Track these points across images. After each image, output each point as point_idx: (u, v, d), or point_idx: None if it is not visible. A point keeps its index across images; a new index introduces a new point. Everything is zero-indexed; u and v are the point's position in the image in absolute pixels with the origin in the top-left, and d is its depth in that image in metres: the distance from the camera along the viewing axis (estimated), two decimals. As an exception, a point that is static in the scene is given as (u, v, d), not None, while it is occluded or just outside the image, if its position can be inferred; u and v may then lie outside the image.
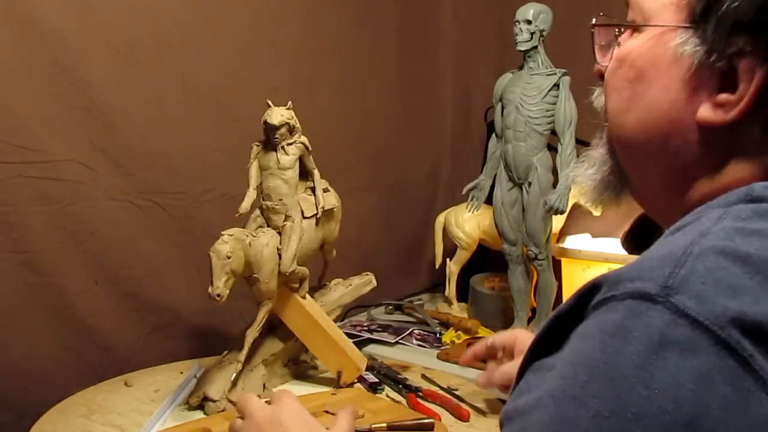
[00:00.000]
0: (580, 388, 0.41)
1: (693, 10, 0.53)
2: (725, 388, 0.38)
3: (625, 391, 0.39)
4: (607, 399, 0.40)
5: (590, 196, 0.64)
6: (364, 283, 1.36)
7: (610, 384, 0.40)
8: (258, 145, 1.20)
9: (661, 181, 0.57)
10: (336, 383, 1.24)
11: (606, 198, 0.64)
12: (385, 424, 1.01)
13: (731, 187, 0.52)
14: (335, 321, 1.33)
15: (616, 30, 0.61)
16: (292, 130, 1.18)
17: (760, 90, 0.50)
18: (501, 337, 1.04)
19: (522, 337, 1.01)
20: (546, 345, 0.48)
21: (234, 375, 1.15)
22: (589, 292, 0.46)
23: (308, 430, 0.71)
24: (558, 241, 1.71)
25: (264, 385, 1.21)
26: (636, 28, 0.58)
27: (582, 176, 0.65)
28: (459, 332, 1.60)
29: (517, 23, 1.45)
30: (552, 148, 1.50)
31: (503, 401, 1.09)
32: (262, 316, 1.18)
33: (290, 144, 1.18)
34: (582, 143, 1.51)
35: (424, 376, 1.30)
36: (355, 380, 1.25)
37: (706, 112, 0.52)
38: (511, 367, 0.99)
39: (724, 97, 0.51)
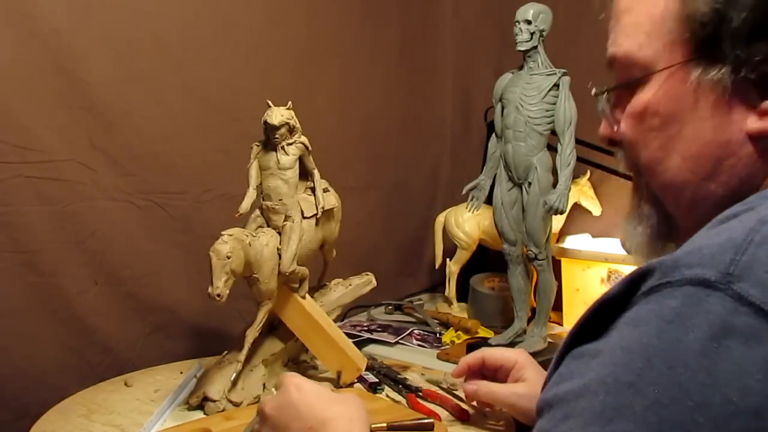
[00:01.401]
0: (636, 375, 0.40)
1: (699, 39, 0.52)
2: None
3: (686, 379, 0.38)
4: (667, 387, 0.39)
5: (644, 251, 0.63)
6: (364, 283, 1.36)
7: (670, 371, 0.39)
8: (258, 145, 1.20)
9: (715, 209, 0.54)
10: (336, 383, 1.24)
11: (659, 247, 0.62)
12: (385, 424, 1.01)
13: None
14: (335, 321, 1.33)
15: (606, 96, 0.61)
16: (292, 130, 1.18)
17: None
18: (499, 356, 1.00)
19: (523, 362, 0.97)
20: (589, 331, 0.47)
21: (234, 375, 1.15)
22: (640, 278, 0.45)
23: (319, 405, 0.72)
24: (558, 241, 1.72)
25: (264, 385, 1.21)
26: (638, 84, 0.57)
27: (633, 236, 0.63)
28: (459, 332, 1.60)
29: (517, 23, 1.45)
30: (552, 148, 1.50)
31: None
32: (262, 316, 1.18)
33: (290, 144, 1.18)
34: (582, 143, 1.51)
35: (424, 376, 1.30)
36: (355, 380, 1.25)
37: (755, 123, 0.52)
38: (503, 390, 0.95)
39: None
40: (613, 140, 0.62)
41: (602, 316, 0.46)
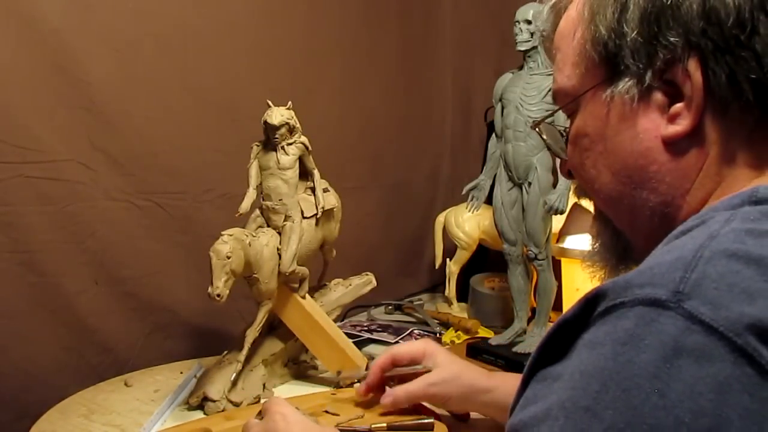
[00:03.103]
0: (592, 398, 0.40)
1: (606, 59, 0.56)
2: (744, 397, 0.37)
3: (640, 401, 0.39)
4: (622, 410, 0.39)
5: (603, 267, 0.67)
6: (364, 283, 1.36)
7: (624, 394, 0.39)
8: (258, 145, 1.20)
9: (652, 216, 0.57)
10: (336, 383, 1.24)
11: (613, 263, 0.66)
12: (385, 424, 1.01)
13: (722, 183, 0.53)
14: (335, 321, 1.33)
15: (561, 130, 0.66)
16: (292, 130, 1.18)
17: (703, 82, 0.52)
18: (405, 351, 0.97)
19: (431, 350, 0.95)
20: (550, 353, 0.47)
21: (234, 375, 1.15)
22: (594, 298, 0.45)
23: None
24: (558, 241, 1.71)
25: (264, 385, 1.21)
26: (574, 110, 0.61)
27: (590, 253, 0.68)
28: (459, 332, 1.60)
29: (517, 23, 1.45)
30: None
31: None
32: (262, 316, 1.18)
33: (290, 144, 1.18)
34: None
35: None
36: (355, 380, 1.25)
37: (666, 128, 0.54)
38: (418, 385, 0.93)
39: (676, 107, 0.54)
40: (570, 172, 0.67)
41: (563, 337, 0.47)
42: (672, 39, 0.52)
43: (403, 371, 0.96)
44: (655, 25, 0.53)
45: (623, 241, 0.64)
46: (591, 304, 0.45)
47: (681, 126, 0.53)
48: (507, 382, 0.90)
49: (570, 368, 0.44)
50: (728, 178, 0.54)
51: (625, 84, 0.55)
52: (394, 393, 0.95)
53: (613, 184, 0.59)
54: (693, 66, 0.52)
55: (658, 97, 0.54)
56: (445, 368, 0.91)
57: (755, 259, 0.42)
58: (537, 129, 0.69)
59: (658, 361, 0.39)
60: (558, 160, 1.42)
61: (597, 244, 0.67)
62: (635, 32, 0.53)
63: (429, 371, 0.90)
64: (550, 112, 0.66)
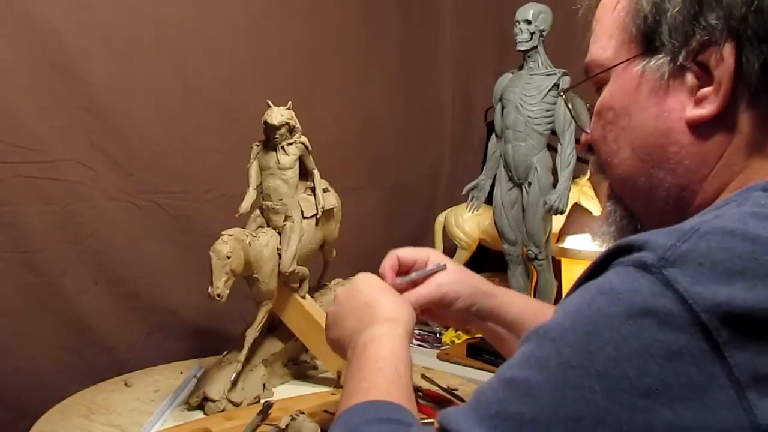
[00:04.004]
0: (559, 333, 0.44)
1: (642, 35, 0.56)
2: (691, 368, 0.39)
3: (596, 347, 0.42)
4: (578, 351, 0.42)
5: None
6: (364, 283, 1.36)
7: (585, 337, 0.42)
8: (258, 145, 1.20)
9: (667, 198, 0.57)
10: (336, 383, 1.24)
11: None
12: None
13: (739, 175, 0.53)
14: (335, 321, 1.33)
15: (588, 105, 0.65)
16: (292, 130, 1.18)
17: (734, 69, 0.52)
18: (410, 252, 0.92)
19: (435, 254, 0.92)
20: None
21: (234, 375, 1.15)
22: (607, 256, 0.48)
23: (380, 290, 0.78)
24: (558, 241, 1.71)
25: (264, 385, 1.21)
26: (603, 82, 0.61)
27: (600, 233, 0.67)
28: (459, 332, 1.60)
29: (517, 23, 1.45)
30: (552, 148, 1.50)
31: None
32: (262, 316, 1.18)
33: (290, 144, 1.18)
34: (582, 143, 1.51)
35: (424, 376, 1.30)
36: None
37: (692, 110, 0.54)
38: (428, 289, 0.86)
39: (704, 91, 0.53)
40: (590, 147, 0.66)
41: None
42: (712, 21, 0.52)
43: (420, 275, 0.89)
44: (697, 5, 0.53)
45: (635, 222, 0.63)
46: (611, 257, 0.48)
47: (706, 110, 0.53)
48: (509, 294, 0.89)
49: (565, 302, 0.47)
50: (747, 170, 0.54)
51: (658, 61, 0.55)
52: (406, 299, 0.89)
53: (632, 161, 0.59)
54: (728, 51, 0.52)
55: (689, 78, 0.54)
56: (452, 270, 0.88)
57: (751, 238, 0.43)
58: (563, 96, 0.68)
59: (623, 316, 0.42)
60: (560, 153, 1.42)
61: (608, 225, 0.66)
62: (676, 9, 0.53)
63: (444, 268, 0.86)
64: (579, 82, 0.65)
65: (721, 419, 0.39)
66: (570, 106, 0.68)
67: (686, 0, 0.53)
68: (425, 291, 0.85)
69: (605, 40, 0.60)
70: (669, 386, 0.39)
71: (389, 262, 0.90)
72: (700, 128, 0.54)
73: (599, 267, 0.48)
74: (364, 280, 0.81)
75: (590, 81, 0.63)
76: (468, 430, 0.44)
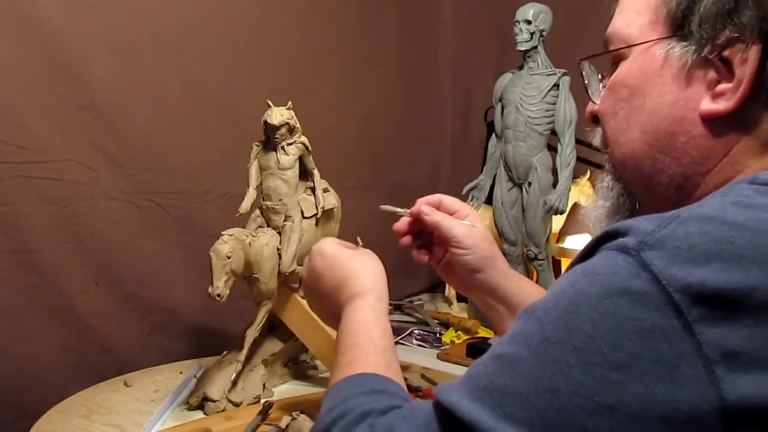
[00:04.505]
0: (544, 312, 0.47)
1: (674, 18, 0.55)
2: (662, 345, 0.42)
3: (574, 325, 0.44)
4: (558, 328, 0.45)
5: (605, 224, 0.66)
6: (364, 283, 1.36)
7: (566, 315, 0.45)
8: (258, 145, 1.20)
9: (669, 185, 0.57)
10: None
11: (616, 221, 0.65)
12: None
13: (741, 174, 0.54)
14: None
15: (600, 76, 0.65)
16: (292, 130, 1.18)
17: (756, 71, 0.52)
18: (456, 202, 0.91)
19: (474, 215, 0.91)
20: None
21: (234, 375, 1.15)
22: (596, 242, 0.50)
23: (340, 266, 0.77)
24: (558, 241, 1.71)
25: (264, 385, 1.21)
26: (621, 57, 0.60)
27: (594, 209, 0.67)
28: (459, 332, 1.60)
29: (517, 23, 1.45)
30: (552, 148, 1.50)
31: None
32: (262, 316, 1.18)
33: (290, 144, 1.18)
34: (582, 143, 1.52)
35: (423, 377, 1.30)
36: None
37: (707, 104, 0.54)
38: (455, 222, 0.86)
39: (723, 86, 0.53)
40: (596, 117, 0.65)
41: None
42: (744, 19, 0.52)
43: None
44: (733, 0, 0.52)
45: (633, 202, 0.63)
46: (599, 242, 0.49)
47: (722, 106, 0.53)
48: (522, 279, 0.88)
49: (552, 287, 0.50)
50: (748, 170, 0.54)
51: (683, 49, 0.55)
52: (432, 212, 0.88)
53: (639, 142, 0.59)
54: (754, 52, 0.52)
55: (710, 71, 0.54)
56: (481, 232, 0.87)
57: (729, 223, 0.44)
58: (580, 64, 0.67)
59: (601, 295, 0.44)
60: (560, 153, 1.42)
61: (604, 200, 0.66)
62: (712, 1, 0.53)
63: (473, 227, 0.87)
64: (598, 54, 0.64)
65: (689, 393, 0.41)
66: (584, 74, 0.67)
67: None
68: (448, 221, 0.85)
69: (632, 15, 0.59)
70: (640, 361, 0.41)
71: (430, 198, 0.90)
72: (712, 122, 0.54)
73: (588, 252, 0.50)
74: (322, 259, 0.79)
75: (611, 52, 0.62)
76: (459, 401, 0.47)
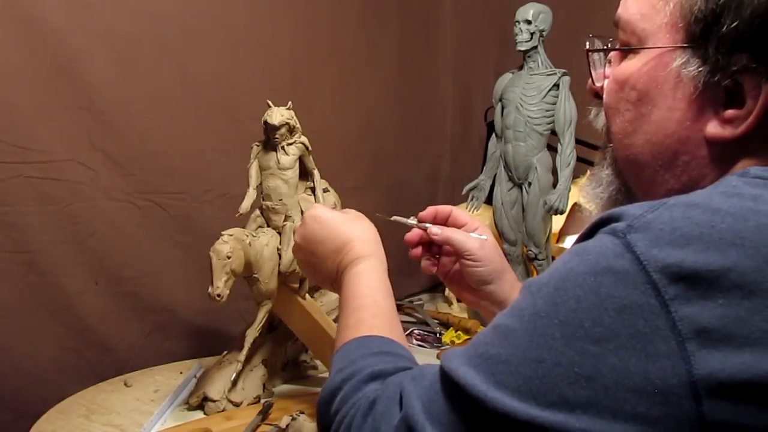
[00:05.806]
0: (538, 287, 0.50)
1: (691, 31, 0.54)
2: (639, 321, 0.44)
3: (562, 301, 0.47)
4: (548, 303, 0.48)
5: (599, 212, 0.65)
6: (364, 283, 1.36)
7: (555, 291, 0.48)
8: (258, 145, 1.20)
9: (667, 196, 0.56)
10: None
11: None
12: None
13: None
14: (335, 321, 1.33)
15: (606, 46, 0.63)
16: (292, 130, 1.18)
17: (767, 104, 0.51)
18: (465, 215, 0.92)
19: (484, 228, 0.91)
20: None
21: (234, 375, 1.15)
22: (593, 227, 0.52)
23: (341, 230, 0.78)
24: (558, 241, 1.71)
25: (264, 385, 1.21)
26: (629, 52, 0.59)
27: (589, 195, 0.67)
28: (459, 332, 1.60)
29: (517, 23, 1.45)
30: (552, 148, 1.50)
31: None
32: (262, 316, 1.18)
33: (290, 144, 1.18)
34: (582, 143, 1.52)
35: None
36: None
37: (714, 128, 0.54)
38: (467, 235, 0.86)
39: (731, 113, 0.53)
40: (598, 94, 0.65)
41: None
42: (762, 48, 0.51)
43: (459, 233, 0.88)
44: (760, 31, 0.51)
45: (629, 196, 0.63)
46: (595, 227, 0.51)
47: (728, 131, 0.53)
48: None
49: (550, 266, 0.53)
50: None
51: (697, 69, 0.54)
52: (443, 229, 0.89)
53: (643, 150, 0.59)
54: None
55: (720, 94, 0.53)
56: (492, 245, 0.87)
57: (713, 209, 0.46)
58: (587, 47, 0.65)
59: (588, 274, 0.47)
60: (560, 153, 1.42)
61: (601, 190, 0.65)
62: (733, 25, 0.51)
63: (485, 240, 0.87)
64: (613, 48, 0.61)
65: (661, 367, 0.43)
66: (590, 50, 0.65)
67: (750, 21, 0.51)
68: (459, 235, 0.86)
69: (647, 8, 0.57)
70: (617, 336, 0.44)
71: (441, 209, 0.91)
72: (716, 145, 0.54)
73: (585, 236, 0.51)
74: (317, 225, 0.80)
75: (617, 29, 0.60)
76: (458, 367, 0.50)
